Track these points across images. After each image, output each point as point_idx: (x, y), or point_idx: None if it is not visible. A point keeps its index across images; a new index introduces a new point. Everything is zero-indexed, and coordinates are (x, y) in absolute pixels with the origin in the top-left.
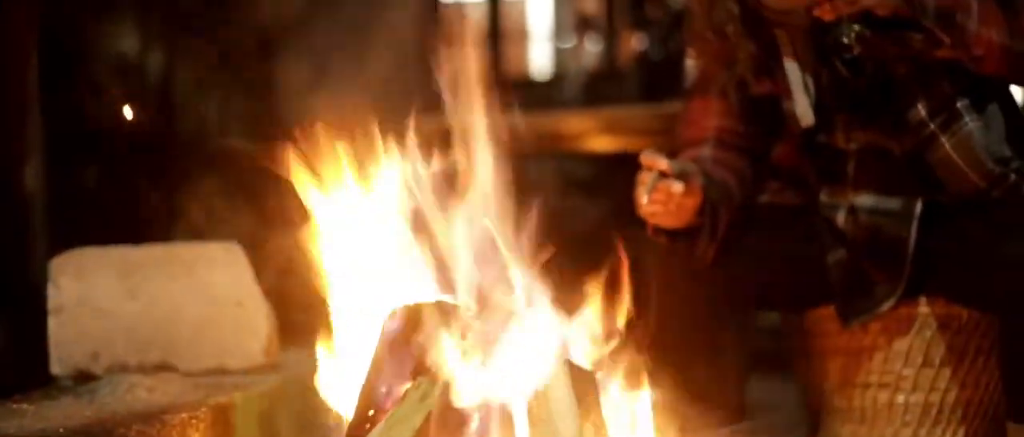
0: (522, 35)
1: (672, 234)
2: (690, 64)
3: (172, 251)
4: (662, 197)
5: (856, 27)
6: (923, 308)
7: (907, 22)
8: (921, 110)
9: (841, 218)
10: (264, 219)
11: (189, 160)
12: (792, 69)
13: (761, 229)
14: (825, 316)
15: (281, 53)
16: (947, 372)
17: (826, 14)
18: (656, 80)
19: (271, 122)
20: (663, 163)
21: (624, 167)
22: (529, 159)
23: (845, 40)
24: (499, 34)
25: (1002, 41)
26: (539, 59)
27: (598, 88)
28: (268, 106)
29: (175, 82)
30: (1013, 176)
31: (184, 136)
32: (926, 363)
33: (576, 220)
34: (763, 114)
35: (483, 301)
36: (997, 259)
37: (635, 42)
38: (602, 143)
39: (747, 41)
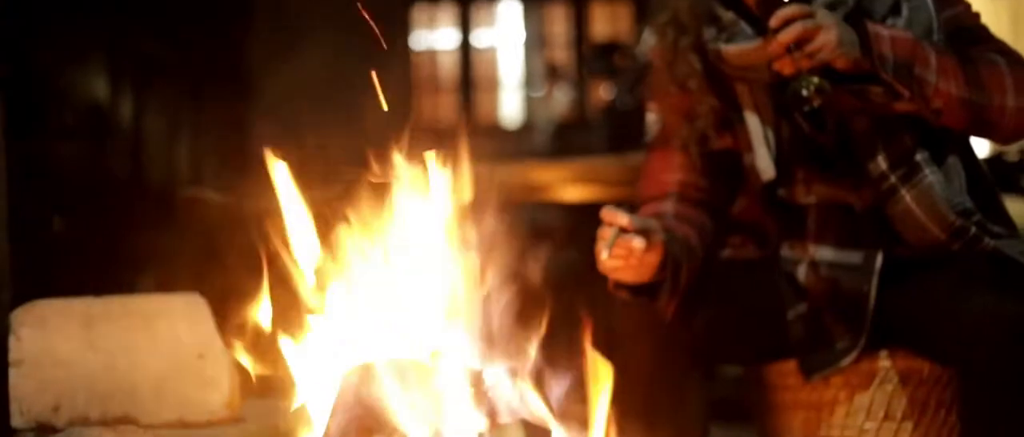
0: (493, 83)
1: (633, 289)
2: (651, 118)
3: (134, 303)
4: (623, 253)
5: (815, 80)
6: (884, 362)
7: (866, 75)
8: (881, 163)
9: (802, 272)
10: (228, 271)
11: (154, 210)
12: (753, 123)
13: (722, 283)
14: (787, 370)
15: (252, 98)
16: (909, 425)
17: (785, 68)
18: (624, 129)
19: (241, 169)
20: (624, 219)
21: (593, 216)
22: (497, 207)
23: (804, 93)
24: (470, 82)
25: (960, 94)
26: (510, 107)
27: (567, 137)
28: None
29: (143, 130)
30: (973, 229)
31: (151, 184)
32: (888, 417)
33: (543, 269)
34: (724, 168)
35: (438, 358)
36: (957, 312)
37: (604, 91)
38: (571, 193)
39: (708, 95)
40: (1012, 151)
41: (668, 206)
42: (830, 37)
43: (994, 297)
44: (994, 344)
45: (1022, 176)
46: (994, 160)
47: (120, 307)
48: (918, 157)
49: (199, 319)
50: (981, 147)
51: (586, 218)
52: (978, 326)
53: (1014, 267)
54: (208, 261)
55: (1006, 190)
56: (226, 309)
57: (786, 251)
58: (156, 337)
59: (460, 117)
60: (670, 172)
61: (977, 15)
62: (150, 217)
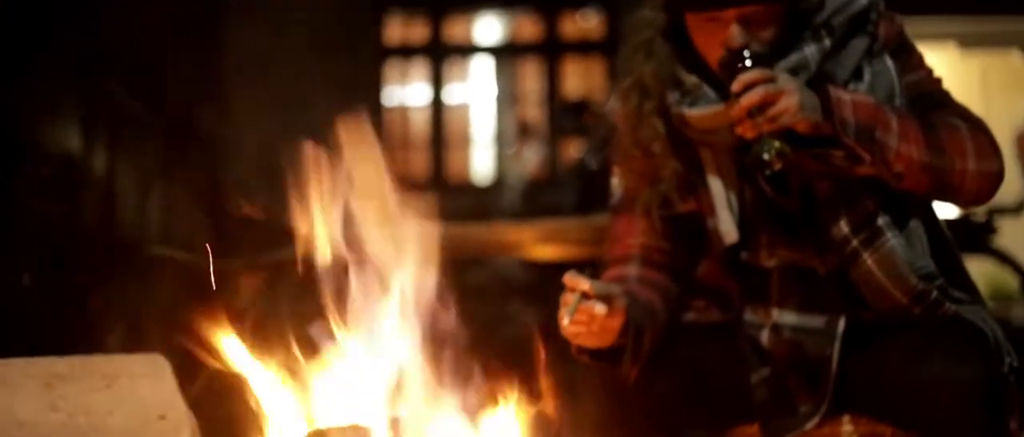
0: (465, 140)
1: (595, 354)
2: (616, 182)
3: (96, 363)
4: (584, 319)
5: (777, 144)
6: (847, 426)
7: (828, 139)
8: (844, 227)
9: (765, 336)
10: (193, 331)
11: (124, 268)
12: (716, 187)
13: (685, 347)
14: (750, 434)
15: (226, 155)
16: None
17: (748, 132)
18: (592, 189)
19: (213, 228)
20: (585, 285)
21: (562, 273)
22: (468, 263)
23: (766, 157)
24: (442, 139)
25: (922, 158)
26: (481, 164)
27: (537, 195)
28: (210, 211)
29: (116, 187)
30: (935, 293)
31: (122, 241)
32: None
33: (513, 326)
34: (688, 232)
35: (396, 425)
36: (918, 377)
37: (574, 150)
38: (540, 252)
39: (672, 159)
40: (979, 212)
41: (632, 269)
42: (791, 101)
43: (954, 362)
44: (953, 410)
45: (989, 237)
46: (962, 221)
47: (82, 367)
48: (880, 221)
49: (161, 380)
50: (950, 208)
51: (556, 274)
52: (937, 391)
53: (975, 332)
54: (175, 321)
55: (974, 251)
56: (191, 370)
57: (749, 315)
58: (118, 397)
59: (431, 174)
60: (634, 235)
61: (939, 80)
62: (121, 274)
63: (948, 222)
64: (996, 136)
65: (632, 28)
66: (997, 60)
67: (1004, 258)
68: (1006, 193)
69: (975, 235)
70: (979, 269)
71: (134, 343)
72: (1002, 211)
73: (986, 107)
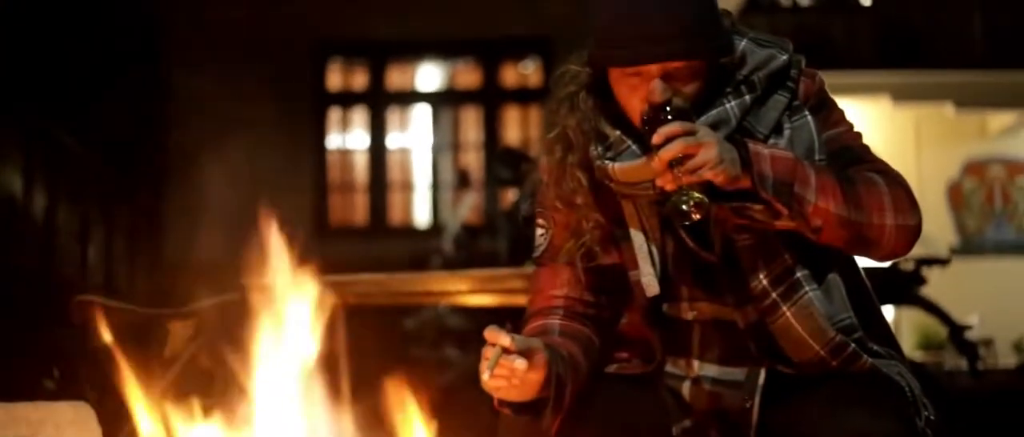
0: (405, 185)
1: (517, 407)
2: (540, 233)
3: (20, 410)
4: (505, 373)
5: (696, 194)
6: None
7: (747, 193)
8: (762, 280)
9: (686, 388)
10: (121, 378)
11: (61, 312)
12: (638, 240)
13: (607, 399)
14: None
15: (166, 198)
16: None
17: (668, 184)
18: (525, 237)
19: (151, 271)
20: (505, 339)
21: (498, 318)
22: (404, 310)
23: (684, 207)
24: (383, 184)
25: (839, 212)
26: (421, 209)
27: (474, 241)
28: (149, 254)
29: (55, 229)
30: (853, 345)
31: (60, 284)
32: None
33: (448, 371)
34: (611, 284)
35: None
36: (836, 430)
37: (510, 196)
38: (475, 299)
39: (595, 212)
40: (909, 262)
41: (554, 321)
42: (711, 154)
43: (870, 416)
44: None
45: (917, 287)
46: (891, 271)
47: (6, 414)
48: (798, 274)
49: (86, 428)
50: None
51: (490, 320)
52: None
53: (891, 387)
54: (103, 368)
55: (902, 301)
56: (118, 417)
57: (671, 367)
58: None
59: (372, 218)
60: (557, 287)
61: (858, 135)
62: (57, 319)
63: (877, 272)
64: (929, 187)
65: (557, 81)
66: (930, 113)
67: (932, 308)
68: (940, 242)
69: (904, 285)
70: (912, 319)
71: (62, 390)
72: (933, 262)
73: (919, 159)
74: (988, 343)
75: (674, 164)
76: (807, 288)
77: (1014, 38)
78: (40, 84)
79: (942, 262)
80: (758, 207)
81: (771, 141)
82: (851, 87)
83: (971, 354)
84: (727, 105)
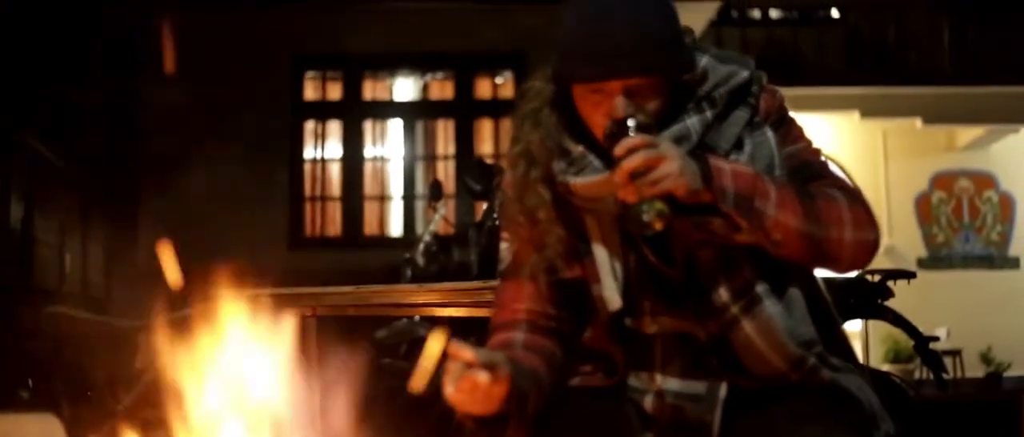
0: (380, 197)
1: (480, 420)
2: (503, 247)
3: None
4: (468, 387)
5: (657, 205)
6: None
7: (708, 207)
8: (723, 294)
9: (648, 401)
10: (84, 392)
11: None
12: (600, 254)
13: (570, 411)
14: None
15: (143, 209)
16: None
17: (630, 196)
18: (494, 250)
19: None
20: (468, 354)
21: (473, 329)
22: (375, 321)
23: (645, 218)
24: (357, 195)
25: (799, 226)
26: (395, 220)
27: (445, 253)
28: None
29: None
30: (813, 359)
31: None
32: None
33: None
34: (574, 298)
35: None
36: None
37: (482, 207)
38: (446, 311)
39: (558, 226)
40: (875, 275)
41: (518, 335)
42: (672, 167)
43: (827, 431)
44: None
45: (883, 299)
46: (857, 282)
47: None
48: (759, 289)
49: None
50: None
51: (462, 331)
52: None
53: (850, 401)
54: (71, 380)
55: (868, 313)
56: (84, 428)
57: (633, 380)
58: None
59: (347, 228)
60: (521, 301)
61: (818, 151)
62: (32, 329)
63: (843, 284)
64: (898, 200)
65: (522, 97)
66: (899, 126)
67: (898, 320)
68: (908, 255)
69: (869, 297)
70: (881, 330)
71: (35, 400)
72: (900, 275)
73: (887, 172)
74: (956, 354)
75: (636, 176)
76: (767, 303)
77: (982, 53)
78: (16, 95)
79: (909, 275)
80: (718, 221)
81: (732, 156)
82: (821, 101)
83: (937, 365)
84: (688, 121)
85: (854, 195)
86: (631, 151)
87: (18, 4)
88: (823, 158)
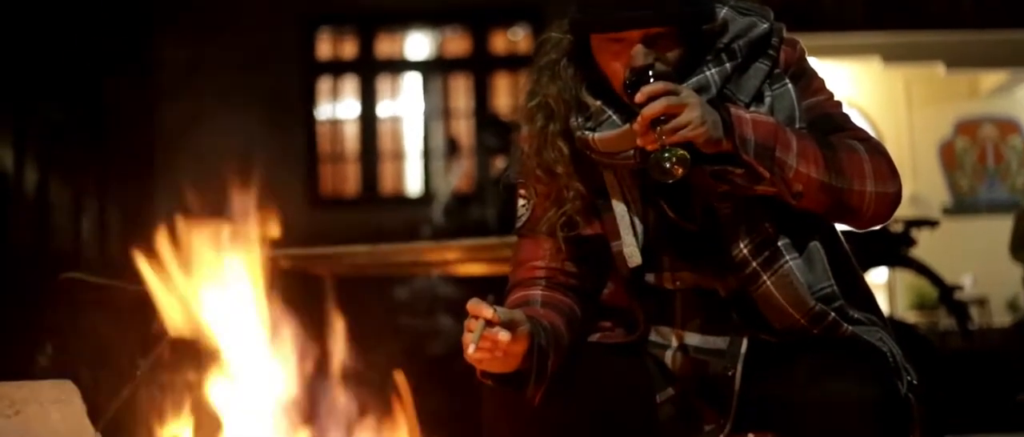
0: (397, 155)
1: (500, 378)
2: (521, 204)
3: (5, 389)
4: (488, 345)
5: (679, 151)
6: None
7: (728, 157)
8: (743, 249)
9: (669, 357)
10: (108, 355)
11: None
12: (620, 210)
13: (591, 368)
14: None
15: (158, 171)
16: None
17: (650, 144)
18: (512, 206)
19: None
20: (488, 312)
21: (491, 287)
22: (395, 280)
23: (666, 164)
24: (373, 153)
25: (820, 178)
26: (413, 178)
27: (464, 210)
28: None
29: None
30: (833, 314)
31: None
32: None
33: (440, 341)
34: (593, 254)
35: None
36: (818, 397)
37: (499, 163)
38: (465, 269)
39: (576, 182)
40: (897, 223)
41: (537, 292)
42: (693, 114)
43: (852, 383)
44: (852, 429)
45: (907, 248)
46: (880, 232)
47: None
48: (779, 243)
49: (71, 406)
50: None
51: (481, 289)
52: (836, 411)
53: (873, 353)
54: (89, 345)
55: (892, 262)
56: (103, 393)
57: (654, 336)
58: (27, 424)
59: (363, 187)
60: (539, 258)
61: (839, 103)
62: (51, 295)
63: (866, 234)
64: (921, 147)
65: (539, 49)
66: (921, 73)
67: (922, 269)
68: (933, 202)
69: (893, 246)
70: (906, 280)
71: (55, 366)
72: (923, 223)
73: (911, 119)
74: (982, 302)
75: (656, 124)
76: (788, 257)
77: None
78: (30, 60)
79: (932, 223)
80: (739, 172)
81: (752, 108)
82: (841, 48)
83: (961, 314)
84: (708, 72)
85: (876, 147)
86: (652, 97)
87: None
88: (845, 110)
